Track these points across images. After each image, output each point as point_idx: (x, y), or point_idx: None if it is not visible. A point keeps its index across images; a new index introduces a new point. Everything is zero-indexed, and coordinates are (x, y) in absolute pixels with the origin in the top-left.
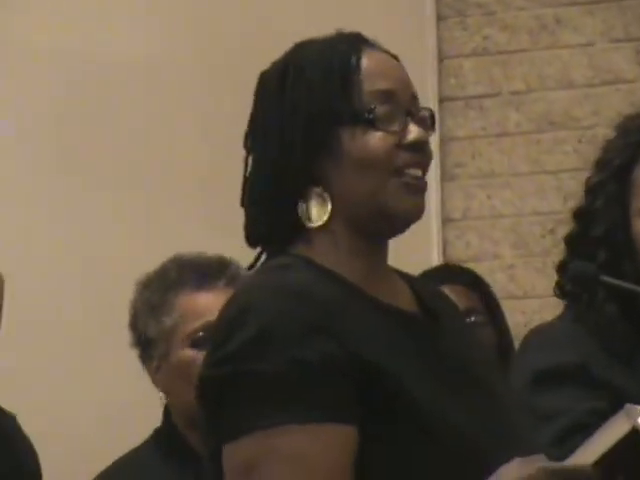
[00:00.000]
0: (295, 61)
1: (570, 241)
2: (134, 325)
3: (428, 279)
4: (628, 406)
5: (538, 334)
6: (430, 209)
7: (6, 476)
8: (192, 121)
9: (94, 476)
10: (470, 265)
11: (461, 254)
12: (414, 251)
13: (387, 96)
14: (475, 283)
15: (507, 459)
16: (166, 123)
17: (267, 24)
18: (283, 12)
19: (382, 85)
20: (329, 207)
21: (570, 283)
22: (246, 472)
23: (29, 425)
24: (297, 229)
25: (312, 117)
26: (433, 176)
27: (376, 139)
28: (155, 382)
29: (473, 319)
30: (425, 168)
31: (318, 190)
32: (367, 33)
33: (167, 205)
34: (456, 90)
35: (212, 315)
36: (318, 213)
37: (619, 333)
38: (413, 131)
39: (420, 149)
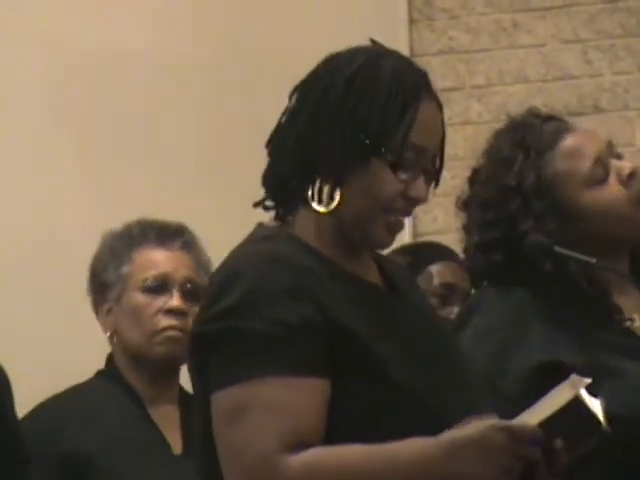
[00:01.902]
0: (371, 74)
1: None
2: (94, 271)
3: (417, 256)
4: (573, 376)
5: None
6: None
7: None
8: (189, 104)
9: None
10: (436, 237)
11: (428, 227)
12: None
13: (420, 152)
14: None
15: (460, 415)
16: (165, 106)
17: (250, 22)
18: (268, 14)
19: (422, 142)
20: (333, 207)
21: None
22: (232, 417)
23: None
24: (301, 199)
25: (357, 136)
26: None
27: (391, 181)
28: (105, 324)
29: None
30: (410, 214)
31: (338, 189)
32: (349, 35)
33: (167, 178)
34: None
35: (164, 269)
36: (327, 203)
37: (581, 305)
38: (420, 189)
39: (416, 203)
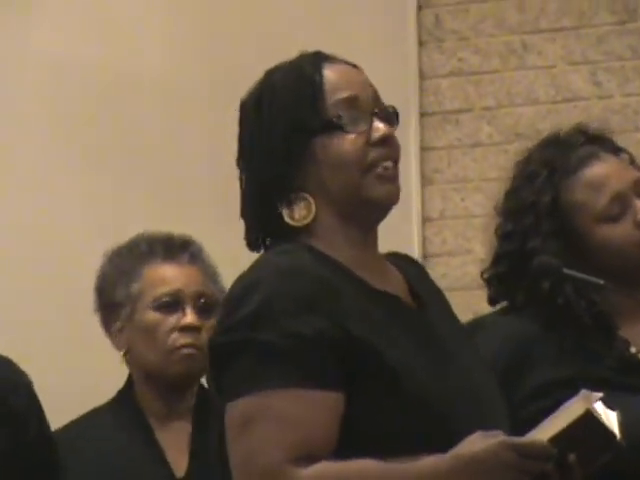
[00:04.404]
0: (267, 86)
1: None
2: (101, 289)
3: None
4: (583, 391)
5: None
6: (411, 209)
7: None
8: (198, 126)
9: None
10: (445, 259)
11: (438, 249)
12: (397, 246)
13: (351, 102)
14: None
15: (474, 427)
16: (175, 129)
17: (254, 43)
18: (284, 38)
19: (344, 93)
20: (313, 208)
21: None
22: (242, 426)
23: None
24: (290, 230)
25: (288, 133)
26: (414, 181)
27: (347, 141)
28: (116, 343)
29: None
30: (395, 159)
31: (302, 194)
32: (359, 59)
33: (175, 199)
34: (435, 106)
35: (175, 284)
36: (303, 214)
37: (586, 326)
38: (379, 129)
39: (387, 143)
